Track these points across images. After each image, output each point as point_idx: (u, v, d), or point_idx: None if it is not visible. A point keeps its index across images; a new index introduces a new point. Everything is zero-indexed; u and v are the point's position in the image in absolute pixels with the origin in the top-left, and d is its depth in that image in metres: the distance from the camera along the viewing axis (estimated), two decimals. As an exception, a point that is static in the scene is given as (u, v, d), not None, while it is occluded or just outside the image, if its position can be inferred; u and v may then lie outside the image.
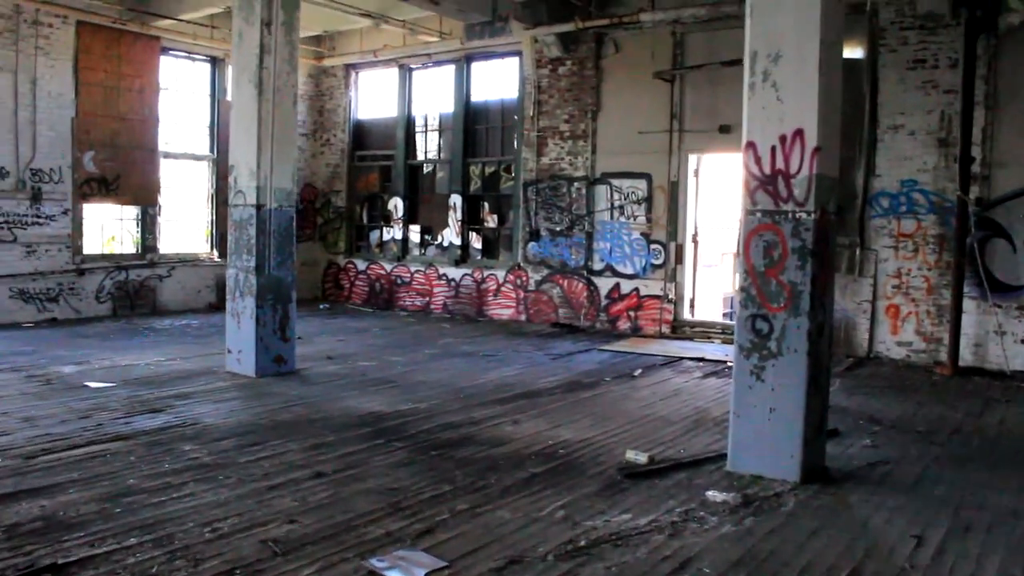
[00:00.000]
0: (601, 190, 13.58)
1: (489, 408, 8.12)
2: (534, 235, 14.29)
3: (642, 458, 6.33)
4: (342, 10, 13.18)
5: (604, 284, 13.60)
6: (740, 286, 6.19)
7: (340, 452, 6.51)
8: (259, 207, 9.32)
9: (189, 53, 15.09)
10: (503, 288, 14.72)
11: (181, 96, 15.25)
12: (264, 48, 9.27)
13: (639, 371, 10.20)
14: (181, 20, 13.84)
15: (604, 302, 13.61)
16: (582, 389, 9.16)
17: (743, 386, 6.02)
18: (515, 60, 14.61)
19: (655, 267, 13.07)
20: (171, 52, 14.83)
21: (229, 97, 15.52)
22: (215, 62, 15.49)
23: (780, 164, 5.93)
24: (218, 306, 15.20)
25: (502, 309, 14.73)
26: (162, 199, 14.84)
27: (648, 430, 7.41)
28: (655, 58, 12.82)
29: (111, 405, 7.89)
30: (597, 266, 13.67)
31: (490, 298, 14.89)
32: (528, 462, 6.34)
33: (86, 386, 8.70)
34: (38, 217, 13.14)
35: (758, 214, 6.03)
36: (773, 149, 5.94)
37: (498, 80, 15.07)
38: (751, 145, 6.06)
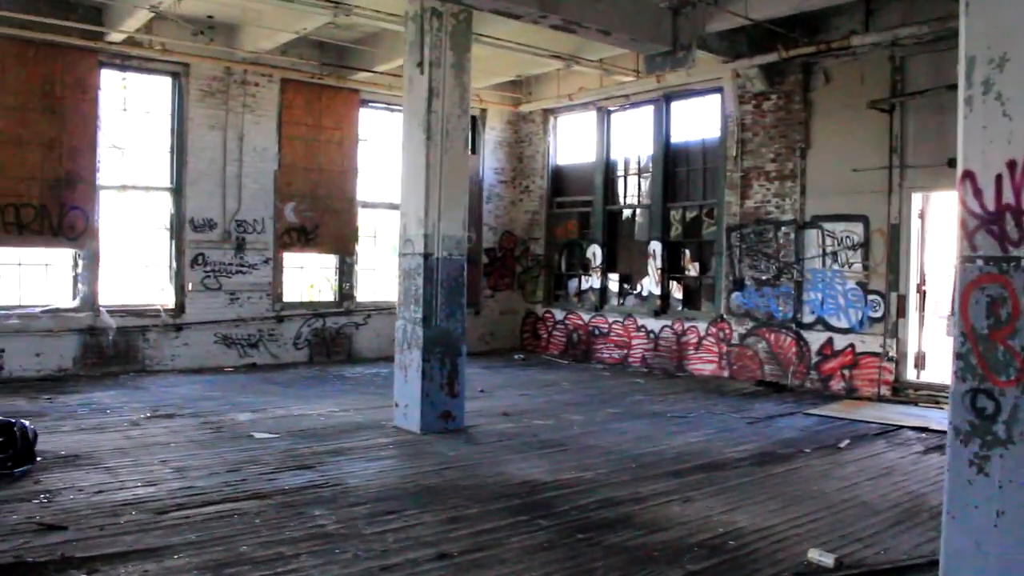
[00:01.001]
0: (811, 235, 12.20)
1: (660, 481, 7.13)
2: (738, 284, 13.09)
3: (828, 560, 5.14)
4: (531, 53, 12.78)
5: (815, 339, 12.15)
6: (956, 351, 4.90)
7: (475, 528, 5.80)
8: (427, 256, 8.93)
9: (388, 104, 15.28)
10: (704, 341, 13.58)
11: (379, 147, 15.43)
12: (432, 92, 8.94)
13: (846, 442, 8.78)
14: (378, 72, 14.01)
15: (814, 359, 12.14)
16: (775, 462, 7.94)
17: (960, 480, 4.71)
18: (716, 97, 13.61)
19: (873, 320, 11.48)
20: (370, 104, 15.08)
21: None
22: (473, 121, 15.63)
23: (1009, 198, 4.64)
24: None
25: (703, 364, 13.58)
26: (359, 248, 15.01)
27: (844, 520, 6.13)
28: (869, 85, 11.39)
29: (265, 458, 7.66)
30: (807, 319, 12.25)
31: (691, 352, 13.78)
32: (687, 555, 5.32)
33: (251, 436, 8.60)
34: (242, 266, 13.62)
35: (979, 261, 4.74)
36: (999, 179, 4.66)
37: (698, 119, 14.12)
38: (968, 175, 4.80)
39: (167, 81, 13.18)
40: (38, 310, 12.05)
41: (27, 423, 7.67)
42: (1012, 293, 4.61)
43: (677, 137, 14.38)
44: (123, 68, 12.81)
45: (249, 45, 12.90)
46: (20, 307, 11.98)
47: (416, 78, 9.11)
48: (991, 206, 4.69)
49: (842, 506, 6.49)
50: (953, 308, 5.23)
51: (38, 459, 7.42)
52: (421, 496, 6.59)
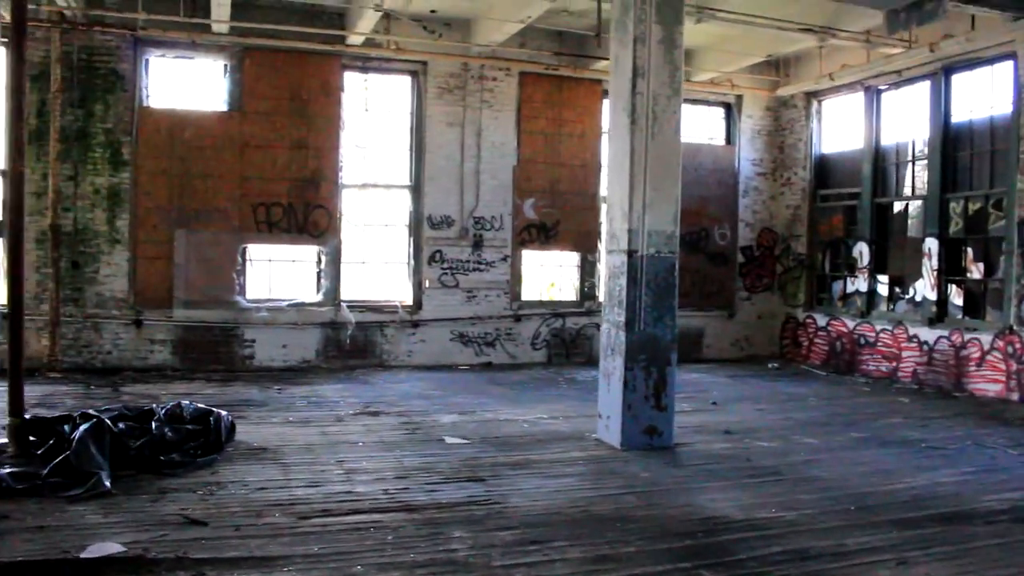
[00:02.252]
0: None
1: (878, 532, 5.72)
2: (1034, 290, 10.80)
3: None
4: (780, 27, 11.37)
5: None
6: None
7: (621, 573, 4.89)
8: (631, 253, 8.02)
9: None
10: (989, 357, 11.35)
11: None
12: (637, 71, 8.01)
13: None
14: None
15: None
16: (1046, 519, 6.18)
17: None
18: (1007, 65, 11.30)
19: None
20: (614, 94, 14.33)
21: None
22: (728, 109, 14.73)
23: None
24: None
25: (986, 384, 11.36)
26: (601, 245, 14.32)
27: None
28: None
29: (441, 466, 7.21)
30: None
31: (971, 368, 11.60)
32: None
33: (442, 440, 8.22)
34: (479, 263, 13.45)
35: None
36: None
37: (986, 93, 11.83)
38: None
39: (406, 80, 13.33)
40: (284, 303, 12.65)
41: (224, 413, 7.86)
42: None
43: (959, 116, 12.17)
44: (364, 70, 13.13)
45: (482, 38, 12.68)
46: (269, 300, 12.62)
47: (621, 57, 8.24)
48: None
49: None
50: None
51: (229, 448, 7.55)
52: (581, 525, 5.76)
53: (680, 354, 14.31)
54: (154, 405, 7.74)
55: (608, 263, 8.40)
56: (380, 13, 11.49)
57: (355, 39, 12.42)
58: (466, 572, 4.84)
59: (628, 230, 8.02)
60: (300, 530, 5.48)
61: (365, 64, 13.05)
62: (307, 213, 12.65)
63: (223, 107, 12.44)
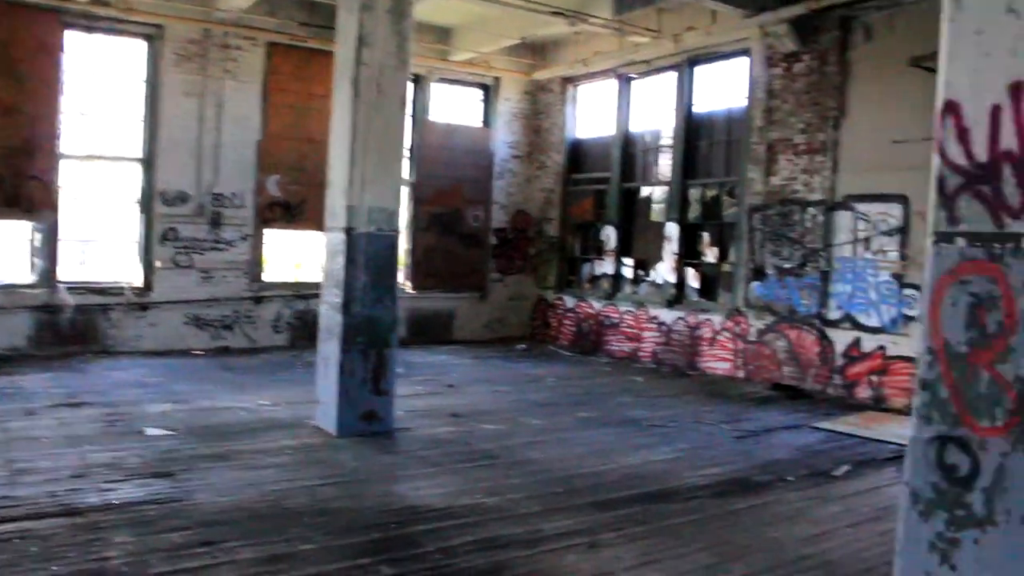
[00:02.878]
0: (842, 218, 10.47)
1: (579, 515, 5.70)
2: (758, 273, 11.43)
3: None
4: (533, 9, 11.33)
5: (841, 338, 10.43)
6: (920, 379, 3.37)
7: (290, 572, 4.53)
8: (349, 231, 7.65)
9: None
10: (720, 337, 11.96)
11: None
12: (363, 40, 7.62)
13: (844, 468, 7.14)
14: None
15: (839, 361, 10.43)
16: (741, 493, 6.39)
17: (915, 572, 3.23)
18: (743, 61, 11.91)
19: (909, 319, 9.71)
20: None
21: (431, 117, 14.45)
22: (418, 79, 14.34)
23: (1010, 141, 3.10)
24: (408, 341, 13.94)
25: (717, 362, 11.97)
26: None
27: (785, 589, 4.63)
28: (915, 41, 9.57)
29: (128, 462, 6.53)
30: (833, 315, 10.54)
31: (704, 348, 12.18)
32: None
33: (140, 433, 7.51)
34: (217, 242, 12.61)
35: (959, 241, 3.23)
36: (996, 112, 3.11)
37: (724, 86, 12.44)
38: (951, 108, 3.26)
39: (141, 45, 12.21)
40: (-10, 284, 11.29)
41: None
42: (1006, 290, 3.10)
43: (700, 107, 12.71)
44: (90, 29, 11.86)
45: (224, 3, 11.85)
46: (-30, 281, 11.24)
47: (347, 24, 7.81)
48: (982, 154, 3.17)
49: (796, 566, 4.94)
50: (920, 312, 3.63)
51: None
52: (265, 520, 5.34)
53: (430, 336, 14.39)
54: None
55: (327, 241, 7.99)
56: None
57: (76, -6, 11.25)
58: (105, 586, 4.32)
59: (347, 206, 7.64)
60: (-66, 541, 4.73)
61: (91, 24, 11.78)
62: (18, 185, 11.29)
63: (-89, 61, 10.89)
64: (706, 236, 12.78)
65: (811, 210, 10.80)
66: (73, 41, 11.74)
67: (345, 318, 7.64)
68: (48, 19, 11.40)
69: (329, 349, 7.83)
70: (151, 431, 7.57)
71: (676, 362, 12.51)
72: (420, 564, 4.73)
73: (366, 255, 7.68)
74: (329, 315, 7.88)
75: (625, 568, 4.81)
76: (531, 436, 8.01)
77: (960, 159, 3.23)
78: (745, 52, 11.81)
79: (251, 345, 12.88)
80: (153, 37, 12.16)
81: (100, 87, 12.06)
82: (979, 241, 3.15)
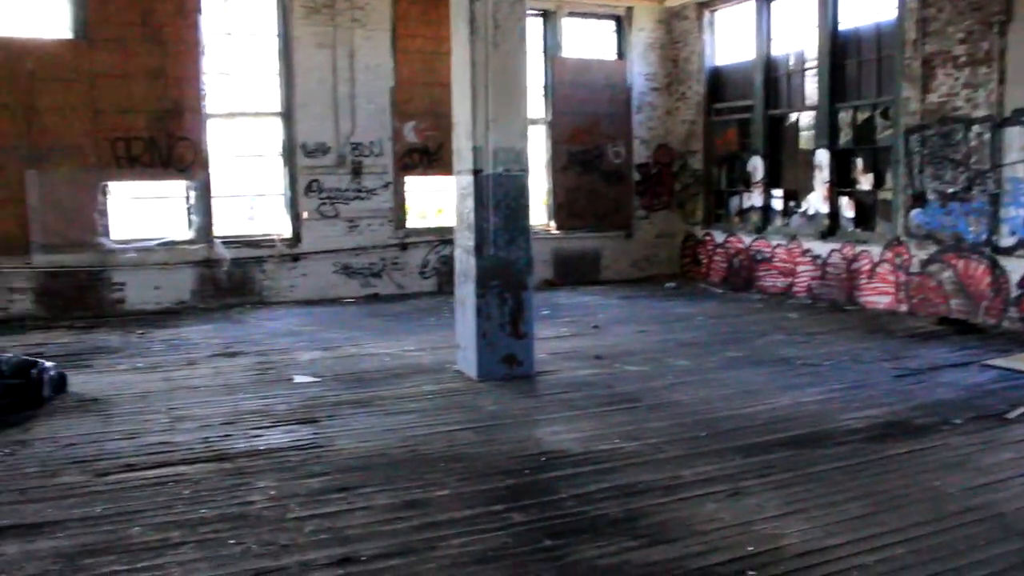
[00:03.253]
0: (1013, 134, 9.45)
1: (721, 460, 5.44)
2: (918, 199, 10.58)
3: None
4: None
5: (1015, 267, 9.54)
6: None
7: (424, 520, 4.51)
8: (476, 172, 7.54)
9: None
10: (879, 269, 11.21)
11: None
12: (479, -25, 7.43)
13: (1019, 411, 6.53)
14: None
15: (1015, 292, 9.55)
16: (900, 438, 5.92)
17: None
18: (895, -34, 10.93)
19: (1096, 241, 8.77)
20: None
21: (563, 53, 14.11)
22: (546, 15, 13.99)
23: None
24: (554, 283, 13.90)
25: (877, 296, 11.24)
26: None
27: (952, 546, 4.17)
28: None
29: (276, 409, 6.78)
30: (1006, 242, 9.62)
31: (862, 281, 11.45)
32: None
33: (290, 380, 7.77)
34: (359, 191, 12.85)
35: None
36: None
37: (873, -2, 11.47)
38: None
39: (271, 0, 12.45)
40: (154, 243, 11.93)
41: (49, 365, 7.28)
42: None
43: (847, 22, 11.76)
44: (224, -11, 12.23)
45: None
46: (136, 241, 11.90)
47: (462, -41, 7.63)
48: None
49: (960, 519, 4.48)
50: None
51: (55, 402, 7.00)
52: (401, 467, 5.38)
53: (577, 276, 14.24)
54: (-36, 361, 7.11)
55: (457, 184, 7.92)
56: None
57: (208, -46, 11.54)
58: (254, 526, 4.45)
59: (473, 148, 7.53)
60: (91, 489, 5.03)
61: (225, -17, 12.17)
62: (171, 146, 11.82)
63: (68, 34, 11.46)
64: (859, 162, 11.91)
65: (976, 128, 9.84)
66: (208, 2, 12.07)
67: (478, 261, 7.58)
68: (186, -18, 11.76)
69: (465, 292, 7.82)
70: (299, 378, 7.82)
71: (833, 297, 11.85)
72: (553, 511, 4.63)
73: (495, 196, 7.56)
74: (463, 258, 7.84)
75: (767, 517, 4.53)
76: (675, 377, 7.77)
77: None
78: (896, -42, 10.83)
79: (399, 291, 13.14)
80: (282, -10, 12.37)
81: (237, 46, 12.38)
82: None
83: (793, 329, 10.16)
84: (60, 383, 7.33)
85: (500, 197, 7.59)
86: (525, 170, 7.73)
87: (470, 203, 7.59)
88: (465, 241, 7.76)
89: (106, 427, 6.33)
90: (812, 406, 6.76)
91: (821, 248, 12.07)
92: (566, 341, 9.48)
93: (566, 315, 11.17)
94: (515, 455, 5.61)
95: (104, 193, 11.64)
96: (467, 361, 7.83)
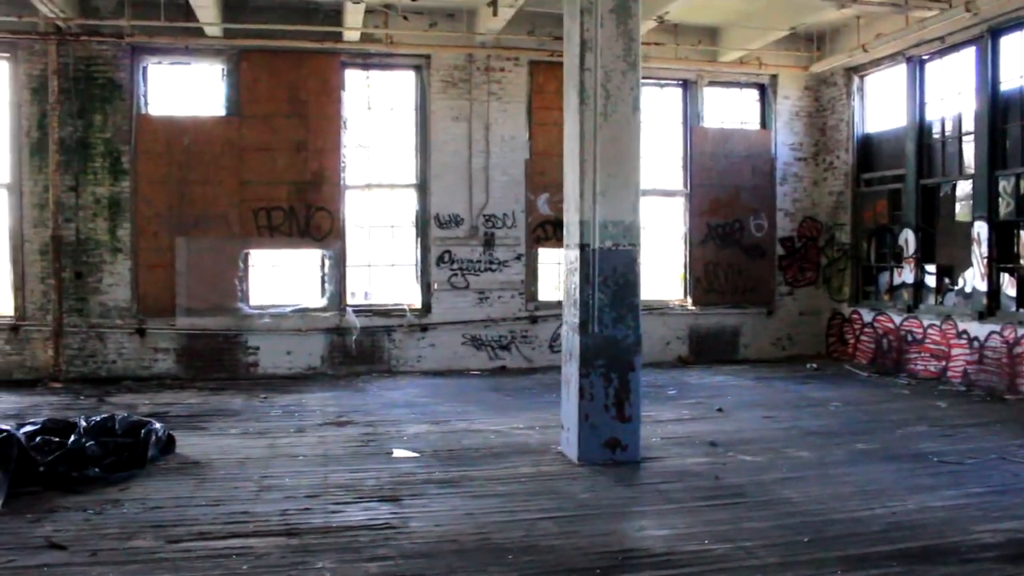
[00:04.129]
0: None
1: (819, 571, 4.83)
2: (1096, 278, 9.44)
3: None
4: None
5: None
6: None
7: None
8: (583, 247, 7.27)
9: (658, 79, 13.55)
10: (1046, 355, 10.05)
11: (651, 126, 13.69)
12: (585, 44, 7.26)
13: None
14: (648, 43, 12.41)
15: None
16: (1048, 556, 5.11)
17: None
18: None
19: None
20: (647, 80, 13.37)
21: (704, 123, 13.75)
22: (687, 85, 13.68)
23: None
24: (687, 361, 13.34)
25: (1044, 386, 10.06)
26: (622, 241, 13.43)
27: None
28: None
29: (368, 483, 6.65)
30: None
31: (1026, 368, 10.30)
32: None
33: (389, 454, 7.64)
34: (491, 263, 12.83)
35: None
36: None
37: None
38: None
39: (409, 75, 12.82)
40: (288, 309, 12.31)
41: (158, 426, 7.51)
42: None
43: (1009, 83, 10.80)
44: (365, 67, 12.73)
45: (482, 26, 12.04)
46: (272, 306, 12.32)
47: (571, 30, 7.51)
48: None
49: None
50: None
51: (161, 463, 7.17)
52: (468, 556, 5.07)
53: (713, 355, 13.58)
54: (80, 418, 7.41)
55: (565, 258, 7.67)
56: (375, 5, 10.99)
57: (351, 35, 12.00)
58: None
59: (580, 221, 7.28)
60: (157, 555, 5.04)
61: (366, 61, 12.62)
62: (309, 216, 12.28)
63: (221, 112, 12.20)
64: (1023, 235, 10.81)
65: None
66: (351, 79, 12.56)
67: (583, 339, 7.27)
68: (330, 61, 12.28)
69: (569, 371, 7.50)
70: (398, 452, 7.68)
71: (990, 384, 10.70)
72: (614, 619, 4.21)
73: (603, 272, 7.26)
74: (568, 336, 7.55)
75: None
76: (792, 471, 7.10)
77: None
78: (1070, 13, 9.88)
79: (527, 365, 12.94)
80: (420, 67, 12.68)
81: (376, 119, 12.76)
82: None
83: (939, 420, 9.18)
84: (168, 444, 7.53)
85: (607, 272, 7.28)
86: (635, 244, 7.39)
87: (576, 278, 7.33)
88: (571, 318, 7.47)
89: (196, 491, 6.38)
90: (941, 512, 5.95)
91: (978, 330, 10.95)
92: (685, 425, 8.94)
93: (693, 396, 10.59)
94: (592, 551, 5.18)
95: (245, 260, 12.16)
96: (569, 444, 7.47)
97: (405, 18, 11.74)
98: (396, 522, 5.71)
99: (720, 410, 9.72)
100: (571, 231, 7.45)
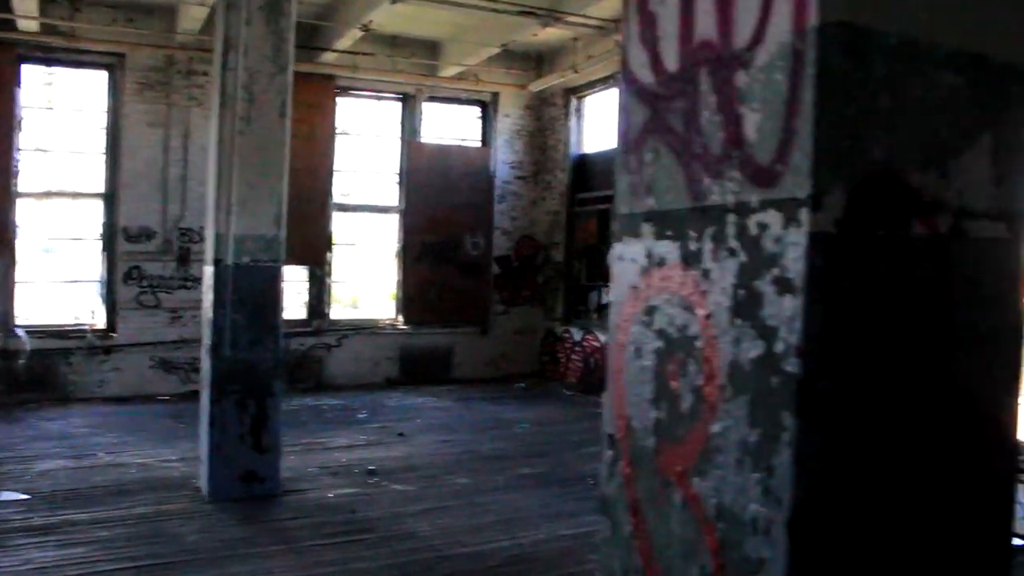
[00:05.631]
0: None
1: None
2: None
3: None
4: (496, 10, 10.23)
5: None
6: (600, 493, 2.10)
7: None
8: (217, 262, 6.67)
9: (376, 92, 13.16)
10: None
11: (365, 140, 13.28)
12: (229, 42, 6.70)
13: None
14: (359, 53, 11.96)
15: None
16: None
17: None
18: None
19: None
20: (351, 92, 12.94)
21: (421, 138, 13.49)
22: (406, 99, 13.38)
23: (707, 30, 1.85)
24: (399, 381, 12.92)
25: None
26: (334, 258, 12.91)
27: None
28: None
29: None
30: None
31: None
32: None
33: (-8, 498, 6.67)
34: (185, 280, 11.83)
35: (645, 227, 2.03)
36: None
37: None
38: None
39: (102, 75, 11.64)
40: (-60, 329, 10.81)
41: None
42: (705, 325, 1.87)
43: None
44: (48, 62, 11.40)
45: (187, 25, 11.14)
46: (-80, 327, 10.77)
47: (217, 27, 6.93)
48: (672, 62, 2.01)
49: None
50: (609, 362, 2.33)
51: None
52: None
53: (424, 375, 13.15)
54: None
55: (203, 276, 7.04)
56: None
57: (27, 24, 10.73)
58: None
59: (216, 235, 6.68)
60: None
61: (47, 56, 11.32)
62: None
63: None
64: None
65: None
66: (30, 75, 11.29)
67: (214, 362, 6.64)
68: (3, 52, 10.93)
69: (203, 398, 6.84)
70: (4, 495, 6.70)
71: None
72: None
73: (239, 290, 6.68)
74: (203, 359, 6.90)
75: None
76: (439, 501, 6.79)
77: (644, 72, 2.03)
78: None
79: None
80: (113, 66, 11.57)
81: (60, 121, 11.53)
82: (670, 225, 1.94)
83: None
84: None
85: (245, 291, 6.70)
86: (277, 260, 6.89)
87: (210, 296, 6.69)
88: (205, 339, 6.83)
89: None
90: (568, 541, 5.83)
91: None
92: (355, 452, 8.47)
93: (383, 420, 10.16)
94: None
95: None
96: (202, 478, 6.80)
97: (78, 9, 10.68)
98: (-65, 585, 4.85)
99: (401, 434, 9.34)
100: (208, 245, 6.82)
